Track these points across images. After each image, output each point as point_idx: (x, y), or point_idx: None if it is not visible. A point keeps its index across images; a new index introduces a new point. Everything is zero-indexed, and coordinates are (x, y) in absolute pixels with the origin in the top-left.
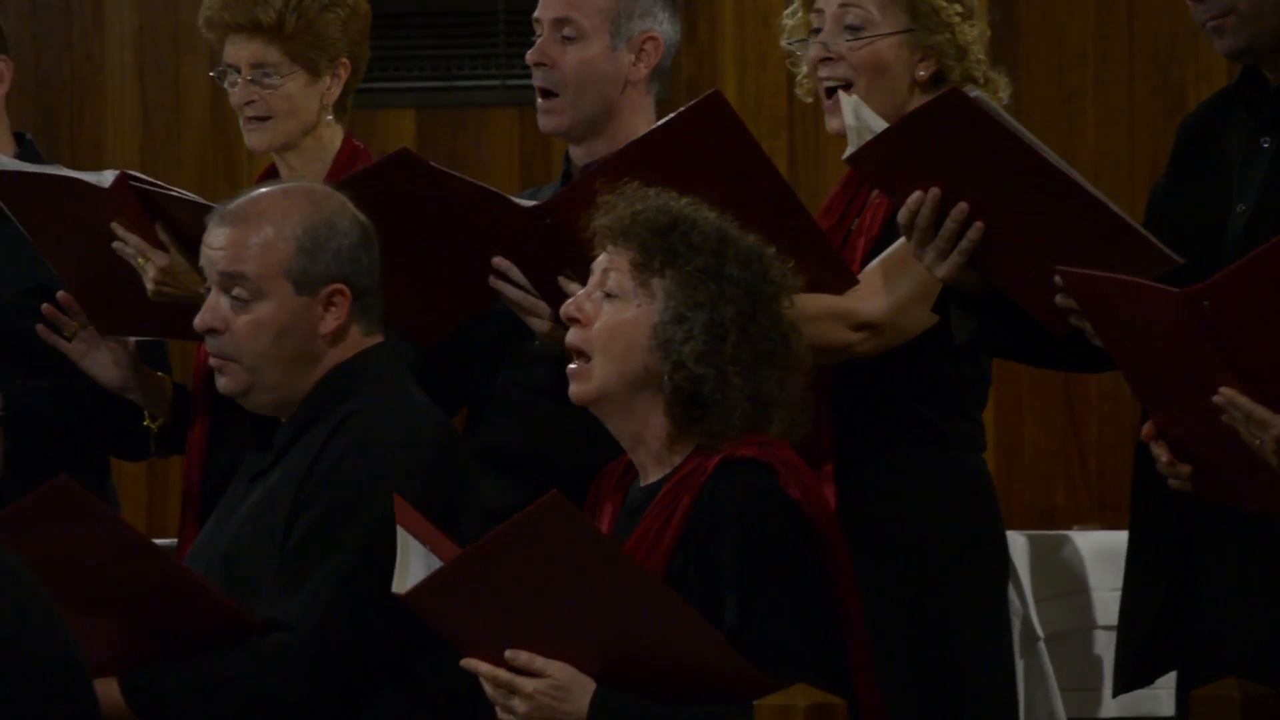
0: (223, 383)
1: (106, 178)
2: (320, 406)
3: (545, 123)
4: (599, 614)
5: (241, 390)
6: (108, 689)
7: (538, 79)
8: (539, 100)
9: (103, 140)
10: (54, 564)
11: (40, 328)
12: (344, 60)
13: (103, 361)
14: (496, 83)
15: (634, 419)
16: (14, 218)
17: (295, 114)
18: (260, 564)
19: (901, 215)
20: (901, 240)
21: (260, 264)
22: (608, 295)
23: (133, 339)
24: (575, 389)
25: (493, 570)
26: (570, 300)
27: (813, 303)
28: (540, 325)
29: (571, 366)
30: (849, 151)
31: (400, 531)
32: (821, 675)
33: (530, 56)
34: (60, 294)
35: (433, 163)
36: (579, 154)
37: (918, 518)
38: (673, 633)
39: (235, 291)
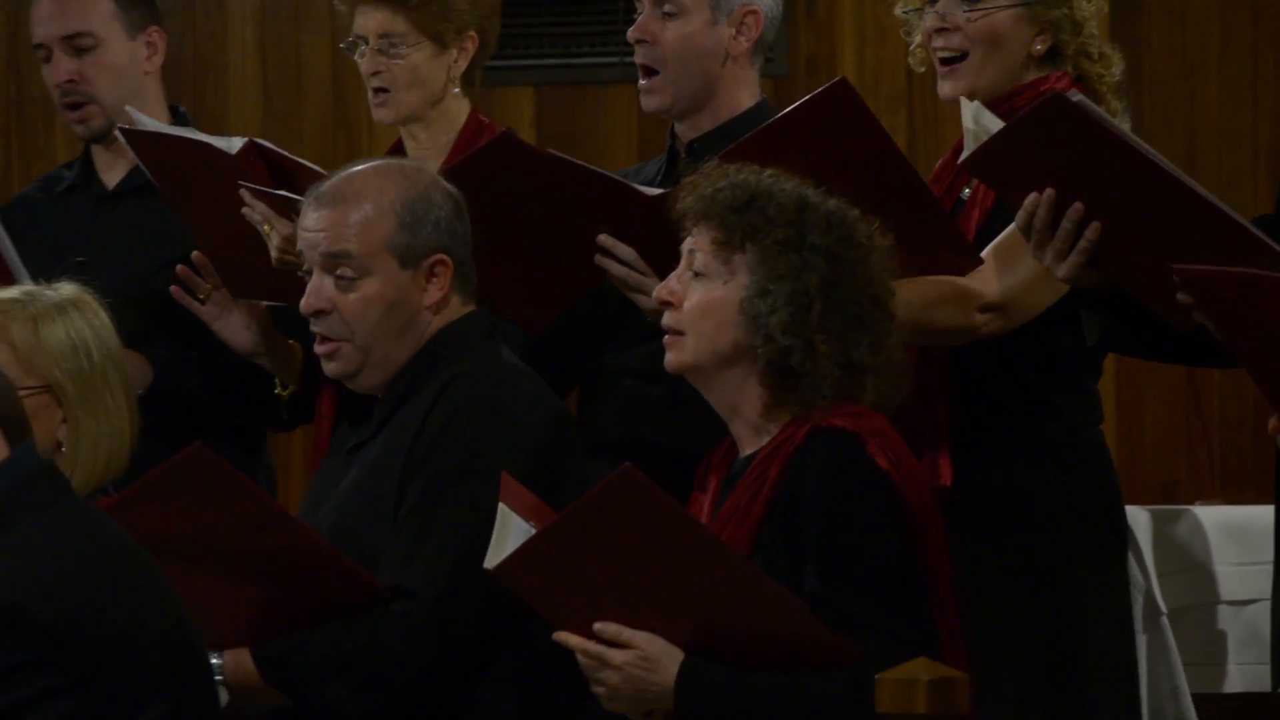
0: (332, 367)
1: (235, 144)
2: (419, 376)
3: (647, 102)
4: (681, 585)
5: (353, 371)
6: (240, 660)
7: (639, 56)
8: (641, 80)
9: (224, 118)
10: (188, 534)
11: (175, 289)
12: (471, 33)
13: (235, 325)
14: (615, 60)
15: (730, 391)
16: (151, 177)
17: (420, 85)
18: (373, 534)
19: (1019, 218)
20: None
21: (364, 241)
22: (696, 275)
23: (264, 303)
24: (670, 358)
25: (574, 544)
26: (661, 284)
27: (936, 288)
28: (647, 302)
29: (668, 337)
30: (964, 155)
31: (501, 508)
32: (902, 643)
33: (631, 34)
34: (194, 254)
35: (535, 145)
36: (684, 129)
37: (1035, 492)
38: (755, 602)
39: (340, 271)
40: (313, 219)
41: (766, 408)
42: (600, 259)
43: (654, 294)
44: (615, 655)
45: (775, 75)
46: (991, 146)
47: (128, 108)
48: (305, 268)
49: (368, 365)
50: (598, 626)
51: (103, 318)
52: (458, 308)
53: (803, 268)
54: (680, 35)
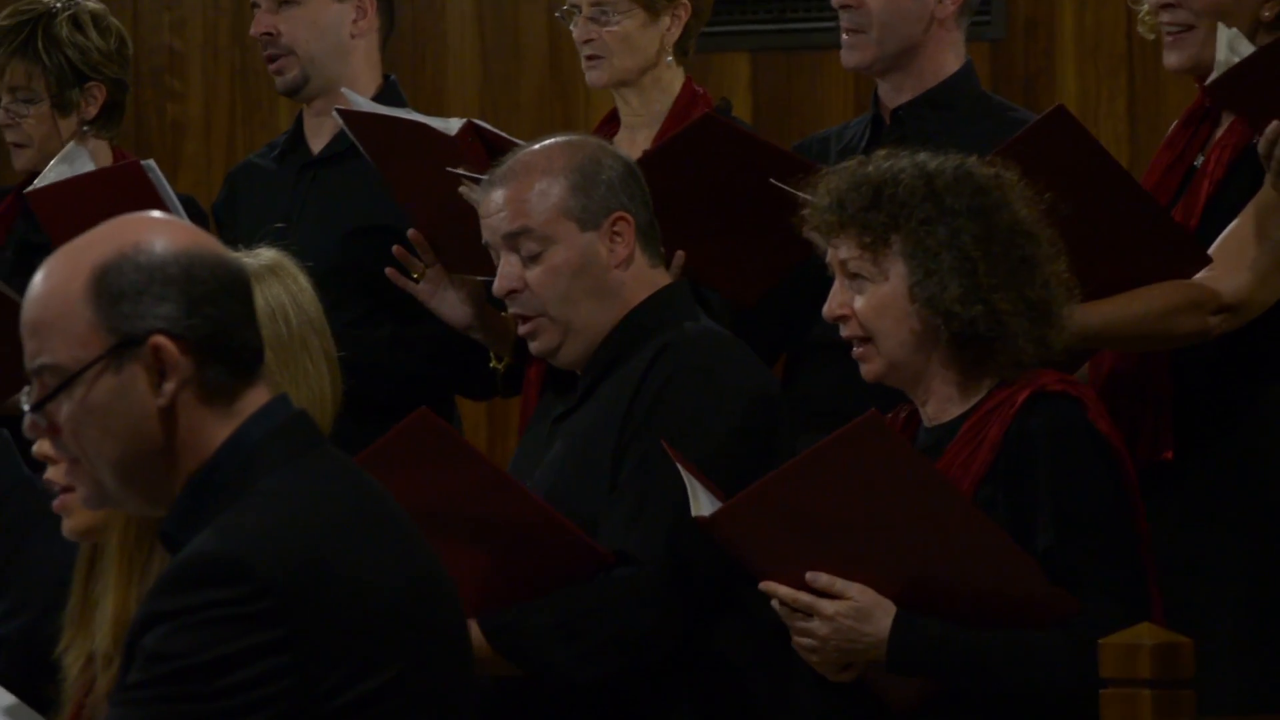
0: (535, 345)
1: (453, 125)
2: (623, 345)
3: (848, 58)
4: (907, 535)
5: (555, 345)
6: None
7: (844, 20)
8: (843, 36)
9: (443, 86)
10: (413, 503)
11: (389, 271)
12: (684, 1)
13: (450, 301)
14: (831, 24)
15: (924, 376)
16: (367, 156)
17: (631, 52)
18: (587, 501)
19: (1261, 145)
20: (1246, 213)
21: (541, 212)
22: (854, 278)
23: (479, 279)
24: (865, 370)
25: (806, 490)
26: (828, 302)
27: (1168, 296)
28: None
29: (857, 350)
30: (1211, 79)
31: (681, 469)
32: (1125, 604)
33: None
34: (410, 232)
35: (738, 123)
36: (886, 90)
37: (1261, 454)
38: (982, 555)
39: (524, 247)
40: (489, 203)
41: (962, 379)
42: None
43: (824, 313)
44: (827, 606)
45: (993, 39)
46: (1237, 72)
47: (344, 89)
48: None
49: (569, 336)
50: (810, 576)
51: (302, 282)
52: (646, 269)
53: (953, 235)
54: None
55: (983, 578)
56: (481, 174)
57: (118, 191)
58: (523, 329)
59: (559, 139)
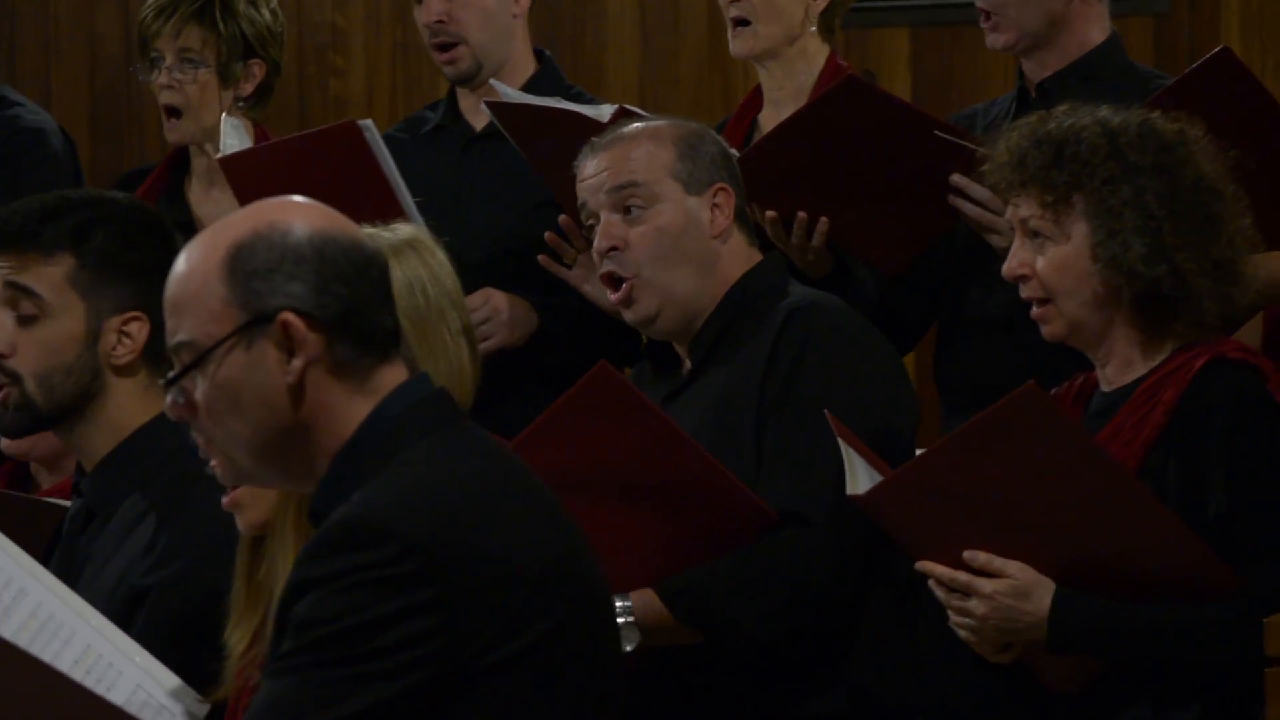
0: (631, 313)
1: (605, 111)
2: (729, 318)
3: (992, 40)
4: (1067, 511)
5: (653, 313)
6: (646, 599)
7: (981, 3)
8: (981, 21)
9: (603, 61)
10: (591, 465)
11: (542, 257)
12: None
13: (600, 285)
14: None
15: (1106, 337)
16: (516, 146)
17: (778, 19)
18: (735, 465)
19: None
20: None
21: (648, 170)
22: (1034, 236)
23: None
24: (1045, 330)
25: (963, 466)
26: (1008, 260)
27: None
28: (1001, 242)
29: (1037, 310)
30: None
31: (840, 443)
32: None
33: None
34: (562, 219)
35: (884, 90)
36: (1030, 67)
37: None
38: (1144, 530)
39: (630, 202)
40: (590, 166)
41: (1144, 340)
42: (954, 199)
43: (1004, 272)
44: (985, 584)
45: (1157, 12)
46: None
47: (492, 81)
48: (589, 221)
49: (666, 304)
50: (968, 555)
51: (440, 257)
52: (744, 246)
53: (1137, 194)
54: None
55: (1144, 553)
56: None
57: (329, 154)
58: (616, 296)
59: (663, 118)
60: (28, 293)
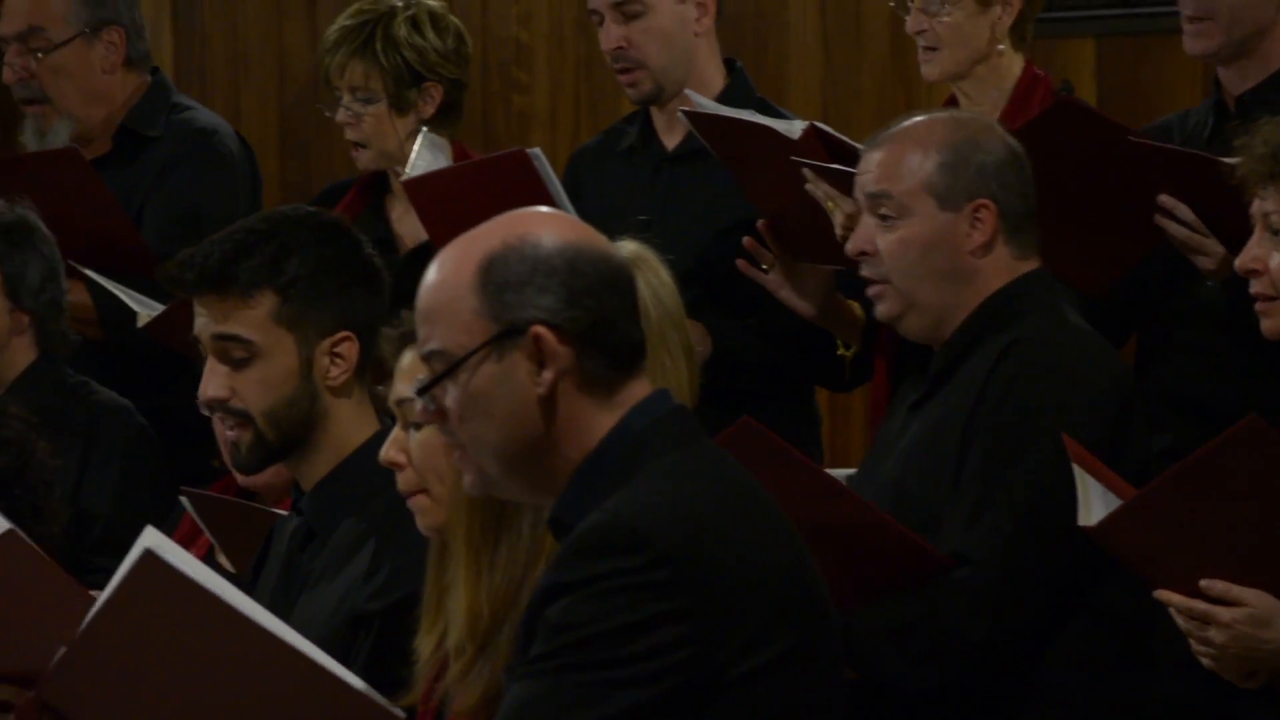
0: (880, 309)
1: (796, 127)
2: (978, 333)
3: (1193, 45)
4: None
5: (897, 314)
6: None
7: (1188, 8)
8: (1185, 24)
9: (785, 73)
10: None
11: (740, 262)
12: None
13: (799, 290)
14: (1178, 10)
15: None
16: (714, 152)
17: (963, 43)
18: (933, 496)
19: None
20: None
21: (904, 182)
22: (1276, 234)
23: (828, 268)
24: (1265, 326)
25: (1191, 496)
26: (1243, 253)
27: None
28: (1208, 264)
29: (1261, 305)
30: None
31: (1075, 468)
32: None
33: None
34: (760, 223)
35: (1092, 106)
36: (1229, 77)
37: None
38: None
39: (882, 211)
40: (865, 161)
41: None
42: (1160, 219)
43: (1237, 264)
44: (1224, 613)
45: None
46: None
47: (687, 91)
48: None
49: (912, 309)
50: (1205, 584)
51: (663, 276)
52: (1008, 259)
53: None
54: None
55: None
56: (826, 176)
57: (501, 180)
58: (869, 290)
59: (948, 113)
60: (236, 340)
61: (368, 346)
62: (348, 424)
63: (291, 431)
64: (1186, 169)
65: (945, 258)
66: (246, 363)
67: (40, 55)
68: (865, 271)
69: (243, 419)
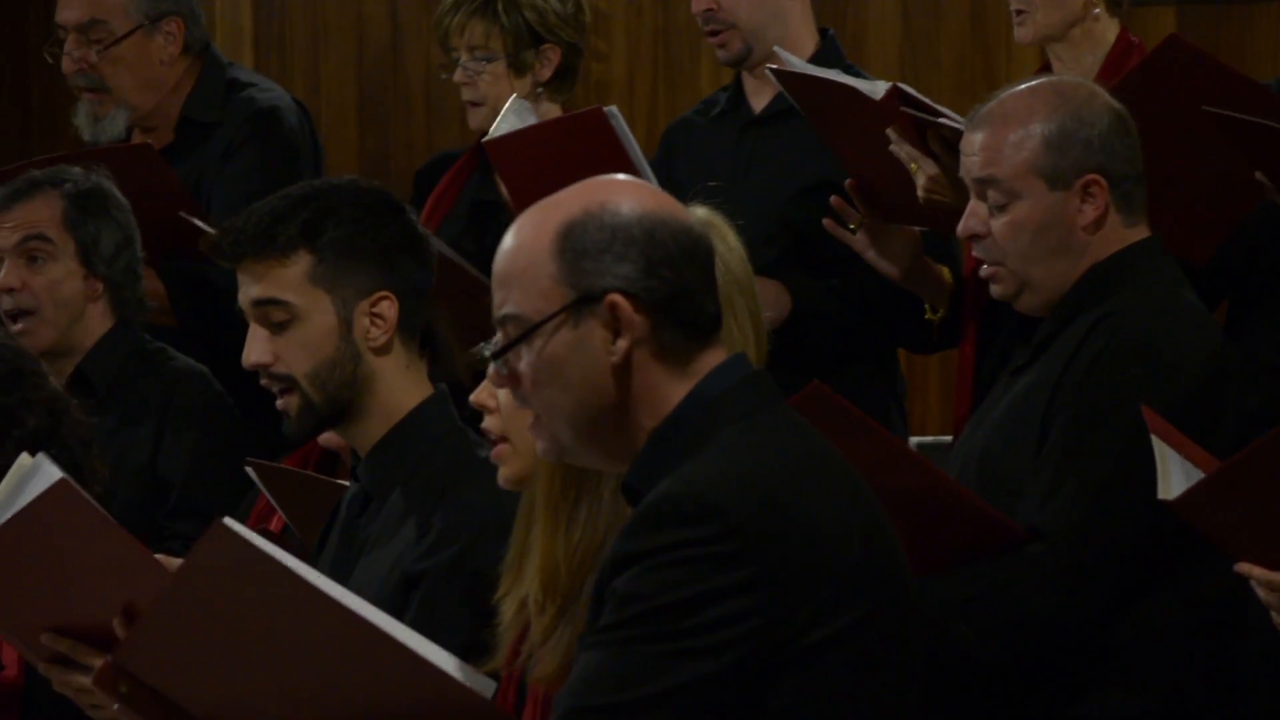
0: (995, 290)
1: (879, 88)
2: (1080, 302)
3: None
4: None
5: (1012, 294)
6: None
7: None
8: None
9: (864, 42)
10: None
11: (827, 221)
12: None
13: (886, 252)
14: None
15: None
16: (802, 112)
17: (1058, 5)
18: (1017, 465)
19: None
20: None
21: (1011, 165)
22: None
23: (915, 229)
24: None
25: (1271, 471)
26: None
27: None
28: None
29: None
30: None
31: (1155, 440)
32: None
33: None
34: (847, 183)
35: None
36: None
37: None
38: None
39: (991, 195)
40: (969, 142)
41: None
42: (1262, 176)
43: None
44: None
45: None
46: None
47: (776, 48)
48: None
49: (1026, 288)
50: None
51: (731, 241)
52: (1119, 228)
53: None
54: None
55: None
56: (909, 136)
57: (579, 139)
58: (983, 272)
59: (1050, 83)
60: (274, 303)
61: (411, 310)
62: (396, 388)
63: (338, 394)
64: None
65: (1058, 236)
66: (286, 325)
67: (101, 47)
68: (978, 253)
69: (288, 384)
